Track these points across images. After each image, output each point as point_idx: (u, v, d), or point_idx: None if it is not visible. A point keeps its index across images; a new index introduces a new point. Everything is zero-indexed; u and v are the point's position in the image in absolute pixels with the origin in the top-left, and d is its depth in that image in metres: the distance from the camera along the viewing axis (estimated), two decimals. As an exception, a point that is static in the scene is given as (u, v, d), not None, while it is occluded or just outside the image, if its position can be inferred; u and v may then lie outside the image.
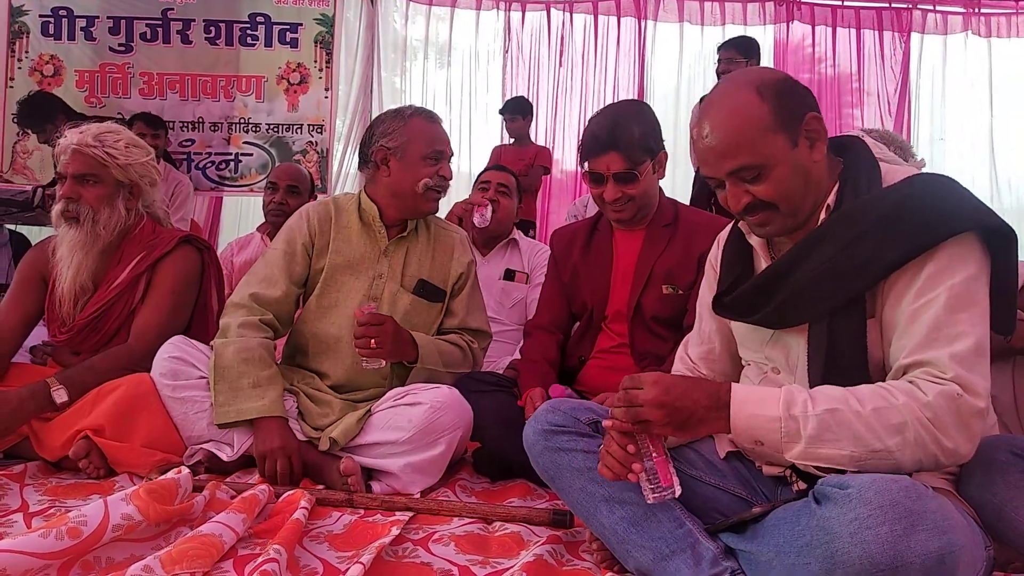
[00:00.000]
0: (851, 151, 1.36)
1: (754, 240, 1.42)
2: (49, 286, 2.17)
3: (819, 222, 1.30)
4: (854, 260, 1.22)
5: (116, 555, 1.31)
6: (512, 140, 5.09)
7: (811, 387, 1.25)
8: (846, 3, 5.40)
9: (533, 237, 4.93)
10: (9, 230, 4.15)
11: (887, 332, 1.24)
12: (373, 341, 1.87)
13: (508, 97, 5.30)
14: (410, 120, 2.09)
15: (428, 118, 2.13)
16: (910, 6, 5.37)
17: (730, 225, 1.53)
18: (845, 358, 1.25)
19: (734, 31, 5.26)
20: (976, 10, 5.35)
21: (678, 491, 1.23)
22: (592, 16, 5.51)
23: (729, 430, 1.20)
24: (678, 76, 5.42)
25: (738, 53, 4.06)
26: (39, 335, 2.32)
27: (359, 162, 2.19)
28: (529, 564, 1.38)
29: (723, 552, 1.27)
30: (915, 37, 5.39)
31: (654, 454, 1.22)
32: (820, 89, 5.42)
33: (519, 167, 4.82)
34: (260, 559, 1.25)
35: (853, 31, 5.37)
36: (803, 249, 1.29)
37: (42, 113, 4.52)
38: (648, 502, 1.24)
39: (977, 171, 5.38)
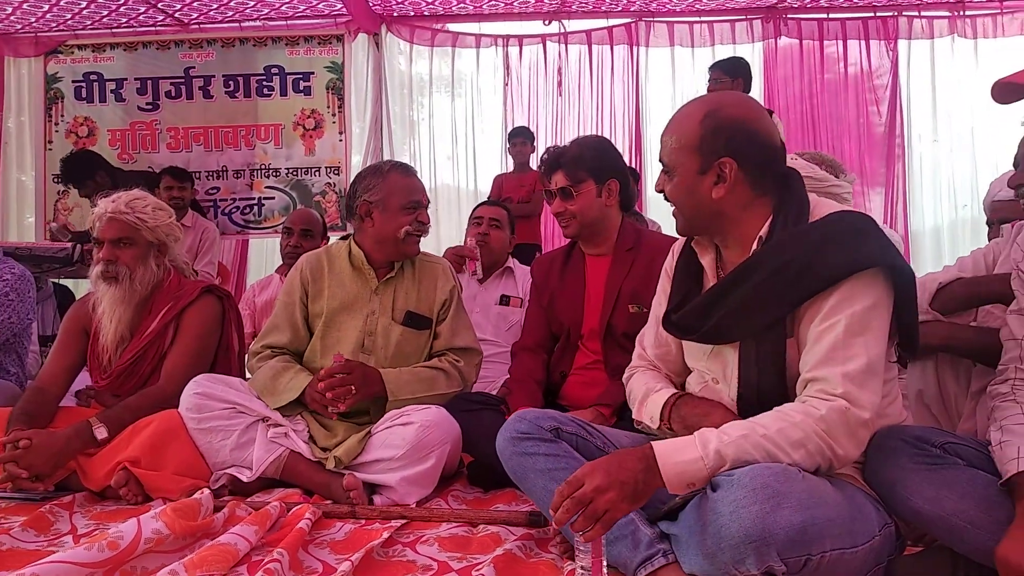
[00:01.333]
0: (786, 186, 1.54)
1: (705, 261, 1.63)
2: (91, 337, 2.46)
3: (751, 252, 1.50)
4: (777, 288, 1.42)
5: (148, 564, 1.56)
6: (512, 167, 5.33)
7: (740, 395, 1.47)
8: (832, 16, 5.56)
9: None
10: (52, 283, 4.50)
11: (802, 349, 1.45)
12: (352, 387, 2.14)
13: (510, 127, 5.55)
14: (388, 175, 2.35)
15: (404, 172, 2.40)
16: (895, 14, 5.51)
17: (684, 240, 1.72)
18: (769, 372, 1.46)
19: (724, 51, 5.44)
20: (961, 13, 5.47)
21: None
22: (586, 46, 5.73)
23: (663, 485, 1.33)
24: (672, 99, 5.61)
25: (723, 73, 4.26)
26: (83, 380, 2.61)
27: (346, 214, 2.46)
28: (499, 557, 1.60)
29: (658, 536, 1.47)
30: (902, 44, 5.50)
31: (592, 554, 1.36)
32: (811, 101, 5.56)
33: (521, 193, 5.07)
34: (266, 560, 1.50)
35: (840, 43, 5.52)
36: (738, 275, 1.49)
37: (83, 170, 4.89)
38: None
39: (969, 169, 5.50)
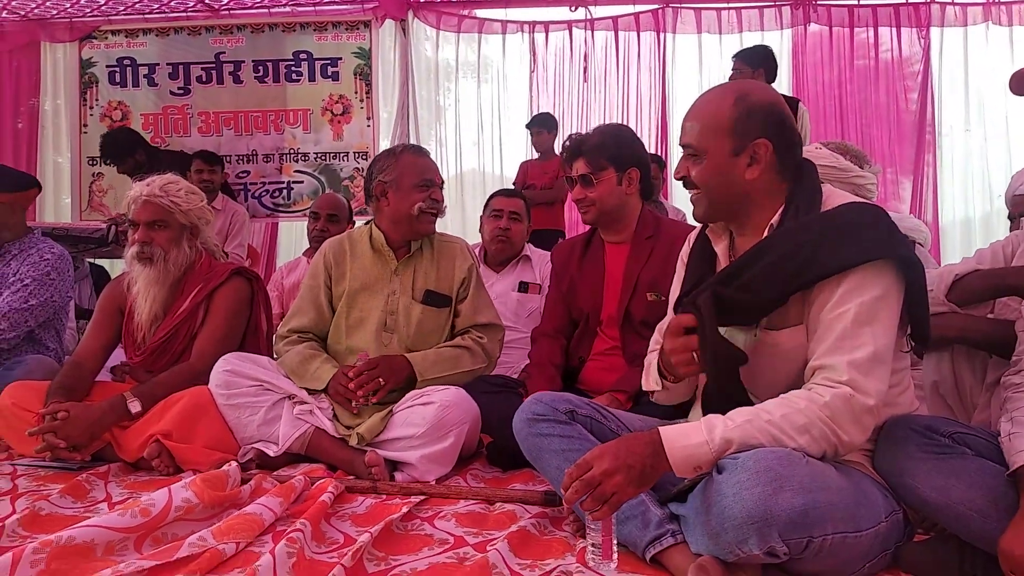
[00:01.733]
0: (800, 175, 1.57)
1: (719, 247, 1.66)
2: (125, 316, 2.55)
3: (763, 237, 1.53)
4: (785, 270, 1.44)
5: (179, 531, 1.64)
6: (538, 154, 5.36)
7: (750, 382, 1.50)
8: (862, 2, 5.48)
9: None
10: (89, 263, 4.63)
11: (810, 337, 1.47)
12: (381, 380, 2.22)
13: (534, 113, 5.57)
14: (401, 156, 2.43)
15: (416, 152, 2.48)
16: (928, 1, 5.42)
17: (699, 228, 1.75)
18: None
19: (752, 38, 5.40)
20: (996, 0, 5.37)
21: (614, 566, 1.42)
22: (613, 32, 5.72)
23: (670, 469, 1.37)
24: (699, 86, 5.57)
25: (744, 64, 4.24)
26: (118, 356, 2.70)
27: (365, 198, 2.53)
28: (513, 534, 1.65)
29: (667, 517, 1.52)
30: (935, 31, 5.42)
31: (602, 533, 1.42)
32: (840, 89, 5.50)
33: (544, 180, 5.10)
34: (289, 530, 1.56)
35: (871, 30, 5.45)
36: (748, 258, 1.51)
37: (124, 147, 5.05)
38: (588, 565, 1.45)
39: (1003, 160, 5.41)
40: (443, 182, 2.50)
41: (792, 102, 4.57)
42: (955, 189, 5.61)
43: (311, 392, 2.32)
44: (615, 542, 1.45)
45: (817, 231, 1.44)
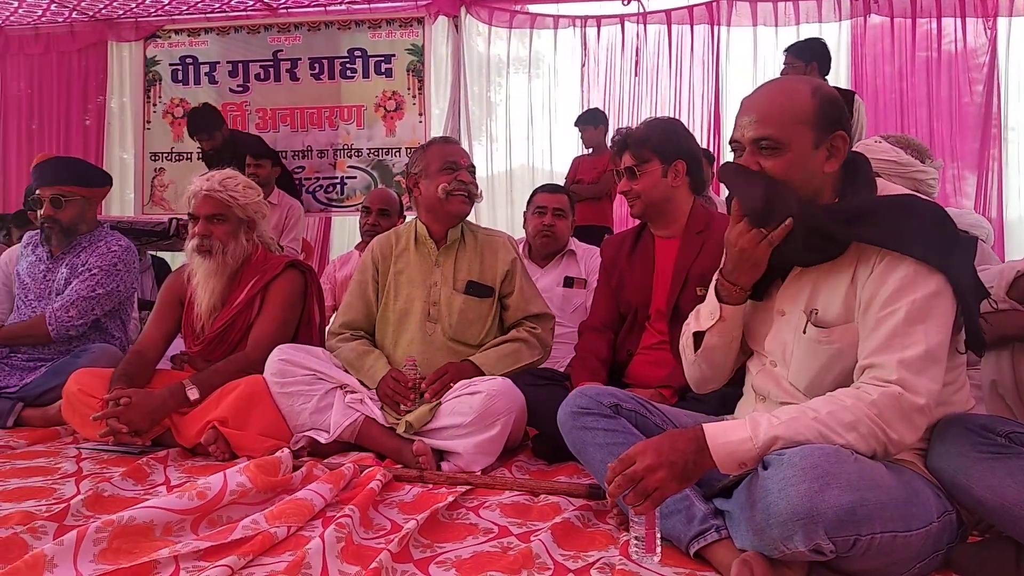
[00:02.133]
0: (852, 168, 1.54)
1: None
2: (185, 306, 2.64)
3: None
4: (838, 220, 1.43)
5: (233, 514, 1.69)
6: (590, 150, 5.34)
7: (799, 379, 1.50)
8: (925, -9, 5.32)
9: (611, 242, 5.16)
10: (151, 256, 4.79)
11: (860, 316, 1.45)
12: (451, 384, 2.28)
13: (586, 108, 5.55)
14: (428, 147, 2.53)
15: (443, 141, 2.57)
16: (997, -11, 5.23)
17: None
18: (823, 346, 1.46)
19: (809, 30, 5.28)
20: (1072, -14, 5.15)
21: (658, 559, 1.43)
22: (665, 26, 5.66)
23: (714, 466, 1.36)
24: (753, 80, 5.48)
25: (795, 58, 4.16)
26: (177, 346, 2.80)
27: (408, 195, 2.62)
28: (557, 525, 1.66)
29: (712, 513, 1.51)
30: (1002, 21, 5.21)
31: (645, 527, 1.43)
32: (901, 82, 5.34)
33: (593, 175, 5.08)
34: (338, 516, 1.61)
35: (934, 21, 5.28)
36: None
37: (212, 121, 5.19)
38: (631, 558, 1.46)
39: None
40: (471, 165, 2.53)
41: (847, 95, 4.46)
42: (1021, 185, 5.40)
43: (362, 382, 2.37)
44: (659, 536, 1.45)
45: (886, 204, 1.43)
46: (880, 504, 1.23)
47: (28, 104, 6.67)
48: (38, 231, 3.03)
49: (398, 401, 2.28)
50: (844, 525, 1.20)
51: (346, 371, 2.44)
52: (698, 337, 1.70)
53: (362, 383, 2.40)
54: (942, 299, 1.38)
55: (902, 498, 1.29)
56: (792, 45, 4.28)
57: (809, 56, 4.10)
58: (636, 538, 1.46)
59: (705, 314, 1.68)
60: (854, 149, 2.33)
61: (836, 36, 5.37)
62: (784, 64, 4.18)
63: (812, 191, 1.51)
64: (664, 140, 2.32)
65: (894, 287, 1.38)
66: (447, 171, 2.45)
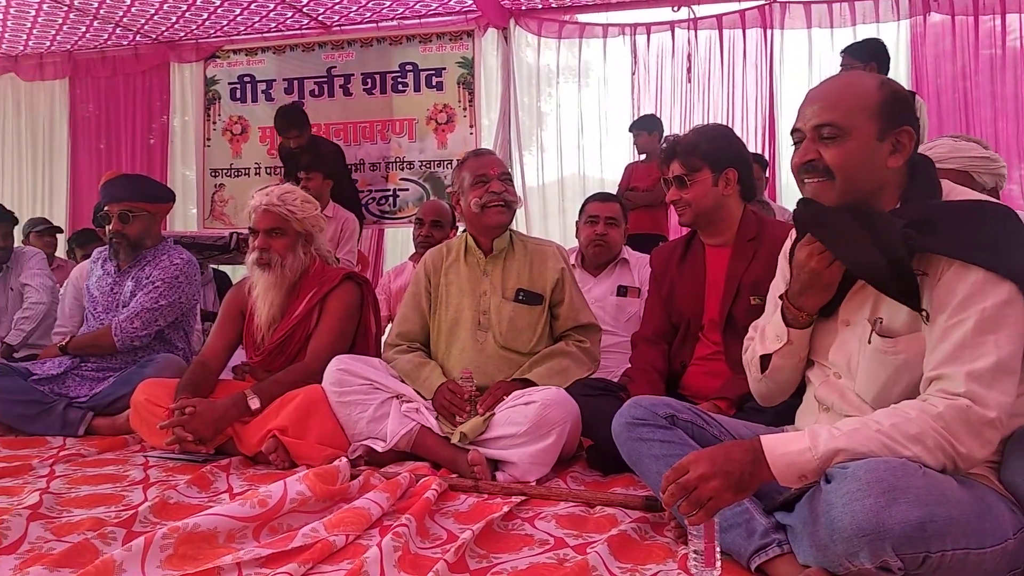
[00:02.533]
0: (917, 171, 1.50)
1: None
2: (246, 318, 2.71)
3: None
4: (902, 233, 1.36)
5: (293, 522, 1.73)
6: (643, 156, 5.30)
7: (866, 391, 1.45)
8: (990, -13, 5.14)
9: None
10: (212, 269, 4.92)
11: (929, 327, 1.39)
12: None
13: (636, 116, 5.51)
14: (464, 163, 2.57)
15: (475, 155, 2.60)
16: (1070, -19, 5.02)
17: None
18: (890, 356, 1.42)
19: (866, 31, 5.15)
20: None
21: (717, 574, 1.38)
22: (717, 31, 5.59)
23: (772, 478, 1.33)
24: (808, 83, 5.35)
25: (853, 59, 4.06)
26: (239, 357, 2.87)
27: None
28: (614, 537, 1.65)
29: (774, 527, 1.47)
30: (1072, 16, 5.03)
31: (704, 540, 1.39)
32: (964, 81, 5.17)
33: (648, 183, 5.04)
34: (395, 524, 1.62)
35: (998, 17, 5.10)
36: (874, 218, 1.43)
37: (304, 119, 5.23)
38: (690, 572, 1.43)
39: None
40: (502, 173, 2.52)
41: (910, 95, 4.34)
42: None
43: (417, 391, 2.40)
44: (718, 549, 1.42)
45: (952, 210, 1.38)
46: (951, 520, 1.19)
47: (96, 125, 6.94)
48: (107, 247, 3.15)
49: (453, 413, 2.30)
50: (913, 541, 1.16)
51: (403, 381, 2.46)
52: (764, 359, 1.66)
53: (419, 393, 2.42)
54: (1014, 307, 1.32)
55: (974, 513, 1.24)
56: (850, 45, 4.18)
57: (868, 56, 3.99)
58: (695, 552, 1.44)
59: (771, 336, 1.64)
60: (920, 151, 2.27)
61: (895, 36, 5.22)
62: (841, 66, 4.08)
63: (874, 186, 1.47)
64: (714, 148, 2.28)
65: (963, 295, 1.33)
66: (479, 184, 2.48)
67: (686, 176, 2.29)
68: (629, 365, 2.82)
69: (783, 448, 1.33)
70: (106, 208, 3.07)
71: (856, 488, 1.19)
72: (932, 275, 1.38)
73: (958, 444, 1.27)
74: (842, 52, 4.16)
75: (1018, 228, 1.37)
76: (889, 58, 4.16)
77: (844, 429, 1.32)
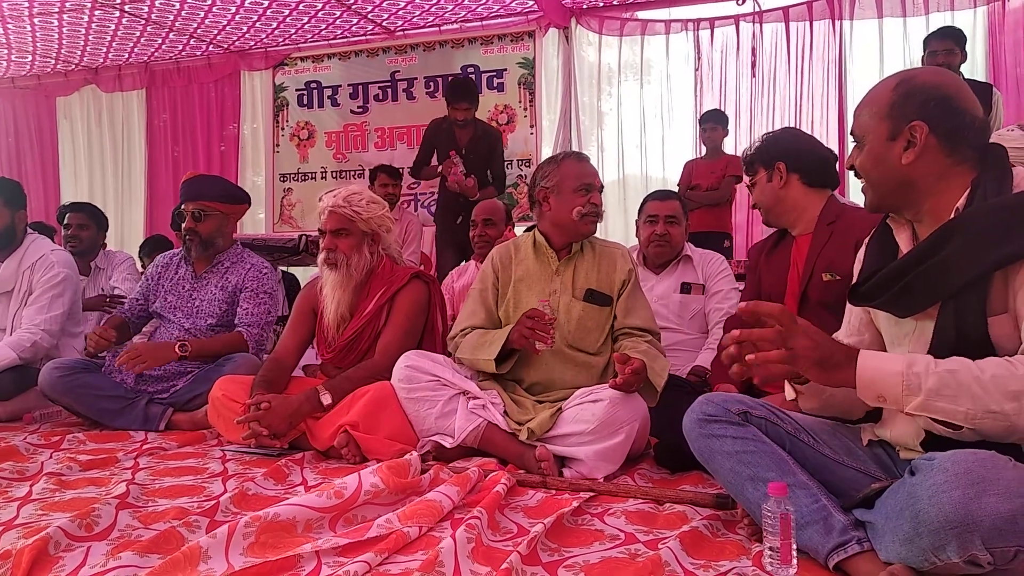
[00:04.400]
0: (987, 160, 1.45)
1: (901, 237, 1.57)
2: (318, 316, 2.78)
3: (950, 219, 1.42)
4: (975, 249, 1.33)
5: (368, 513, 1.76)
6: (704, 152, 5.23)
7: None
8: (1073, -30, 4.91)
9: (730, 248, 5.04)
10: (282, 271, 5.06)
11: (1020, 325, 1.35)
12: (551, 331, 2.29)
13: (700, 114, 5.44)
14: (562, 163, 2.52)
15: (577, 159, 2.56)
16: None
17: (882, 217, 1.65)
18: (970, 349, 1.36)
19: (939, 20, 4.98)
20: None
21: (794, 571, 1.37)
22: (783, 24, 5.49)
23: (852, 381, 1.33)
24: (880, 75, 5.17)
25: (956, 45, 3.95)
26: (309, 357, 2.95)
27: (529, 204, 2.63)
28: (685, 534, 1.63)
29: (853, 524, 1.44)
30: None
31: (780, 536, 1.37)
32: (1047, 68, 4.96)
33: (710, 180, 4.97)
34: (467, 517, 1.64)
35: (1084, -1, 4.87)
36: (934, 239, 1.41)
37: (475, 91, 4.94)
38: (765, 569, 1.41)
39: None
40: (602, 186, 2.57)
41: (985, 88, 4.19)
42: None
43: (484, 388, 2.42)
44: (794, 546, 1.40)
45: (1013, 208, 1.32)
46: (1044, 513, 1.14)
47: (172, 133, 7.23)
48: (174, 252, 3.28)
49: (536, 339, 2.27)
50: (1003, 535, 1.12)
51: (468, 378, 2.47)
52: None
53: (480, 383, 2.43)
54: None
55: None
56: (950, 31, 4.08)
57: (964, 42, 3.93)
58: (771, 548, 1.41)
59: (785, 393, 1.67)
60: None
61: (971, 24, 5.04)
62: (941, 52, 3.97)
63: (896, 184, 1.47)
64: (764, 147, 2.38)
65: None
66: (582, 192, 2.47)
67: (750, 181, 2.42)
68: (698, 363, 2.84)
69: (877, 360, 1.33)
70: (183, 206, 3.17)
71: (943, 480, 1.15)
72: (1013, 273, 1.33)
73: None
74: (938, 37, 4.05)
75: None
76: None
77: (942, 366, 1.28)
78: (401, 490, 1.86)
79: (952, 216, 1.42)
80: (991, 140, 2.22)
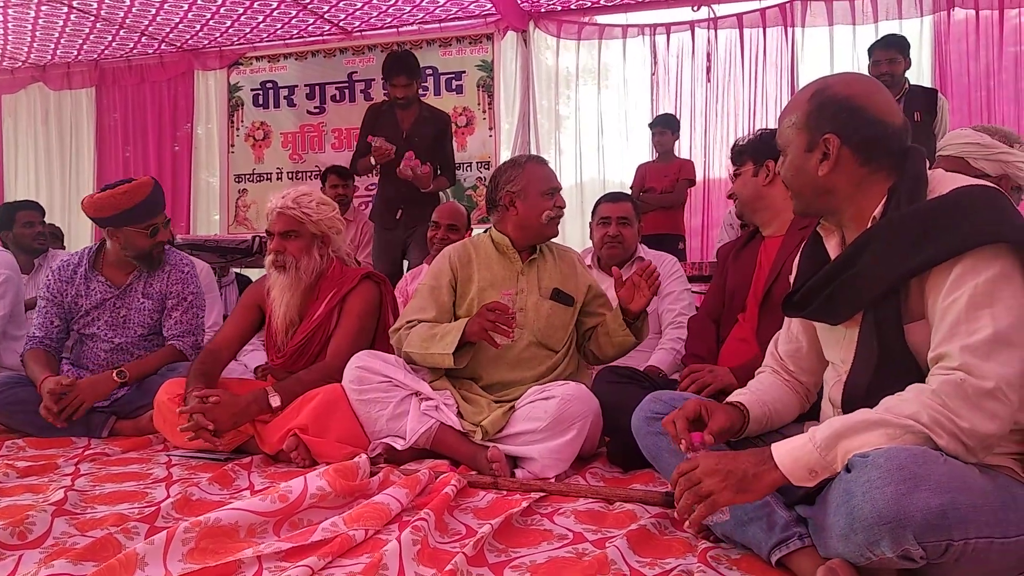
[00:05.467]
0: (903, 165, 1.47)
1: (830, 244, 1.60)
2: (266, 316, 2.73)
3: (866, 229, 1.45)
4: (890, 259, 1.37)
5: (314, 517, 1.74)
6: (656, 156, 5.28)
7: (865, 384, 1.42)
8: (1014, -18, 5.07)
9: (683, 250, 5.10)
10: (235, 272, 4.97)
11: (932, 331, 1.36)
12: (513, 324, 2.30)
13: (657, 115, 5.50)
14: (526, 166, 2.53)
15: (540, 163, 2.58)
16: (1097, -26, 4.94)
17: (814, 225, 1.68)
18: (890, 356, 1.39)
19: (887, 28, 5.10)
20: None
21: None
22: (737, 30, 5.57)
23: (783, 478, 1.32)
24: (830, 80, 5.32)
25: (899, 53, 4.06)
26: (261, 358, 2.89)
27: (487, 207, 2.64)
28: (633, 532, 1.64)
29: (795, 520, 1.46)
30: (1101, 9, 4.94)
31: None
32: (988, 79, 5.10)
33: (664, 184, 5.02)
34: (414, 519, 1.62)
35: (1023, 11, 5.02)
36: (852, 251, 1.45)
37: (415, 65, 4.42)
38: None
39: None
40: (561, 187, 2.60)
41: (931, 94, 4.31)
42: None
43: (437, 389, 2.40)
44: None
45: (924, 217, 1.35)
46: (973, 507, 1.16)
47: (123, 133, 7.06)
48: (65, 263, 3.01)
49: (498, 332, 2.25)
50: (935, 529, 1.14)
51: (415, 371, 2.45)
52: None
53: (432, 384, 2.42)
54: (1009, 281, 1.28)
55: (998, 503, 1.21)
56: (894, 39, 4.21)
57: (908, 50, 4.04)
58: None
59: None
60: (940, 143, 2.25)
61: (918, 32, 5.18)
62: (884, 62, 4.09)
63: (816, 194, 1.50)
64: (757, 142, 2.39)
65: (956, 275, 1.30)
66: (549, 196, 2.51)
67: (734, 170, 2.44)
68: (650, 363, 2.86)
69: (788, 444, 1.33)
70: (155, 221, 2.91)
71: (877, 476, 1.17)
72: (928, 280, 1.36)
73: (958, 419, 1.24)
74: (882, 46, 4.16)
75: (995, 197, 1.34)
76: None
77: (842, 418, 1.32)
78: (348, 493, 1.84)
79: (869, 225, 1.45)
80: (942, 142, 2.29)
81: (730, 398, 1.71)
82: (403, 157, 4.18)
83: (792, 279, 1.70)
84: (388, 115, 4.45)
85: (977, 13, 5.10)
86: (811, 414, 1.75)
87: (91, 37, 6.38)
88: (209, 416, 2.30)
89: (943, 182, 1.44)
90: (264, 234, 3.17)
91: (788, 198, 2.30)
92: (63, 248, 4.23)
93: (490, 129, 6.00)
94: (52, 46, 6.60)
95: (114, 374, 2.77)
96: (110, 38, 6.42)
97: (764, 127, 2.56)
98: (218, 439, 2.33)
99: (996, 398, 1.24)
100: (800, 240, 2.26)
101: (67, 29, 6.19)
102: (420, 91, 4.56)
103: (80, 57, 6.90)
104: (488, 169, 5.93)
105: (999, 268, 1.29)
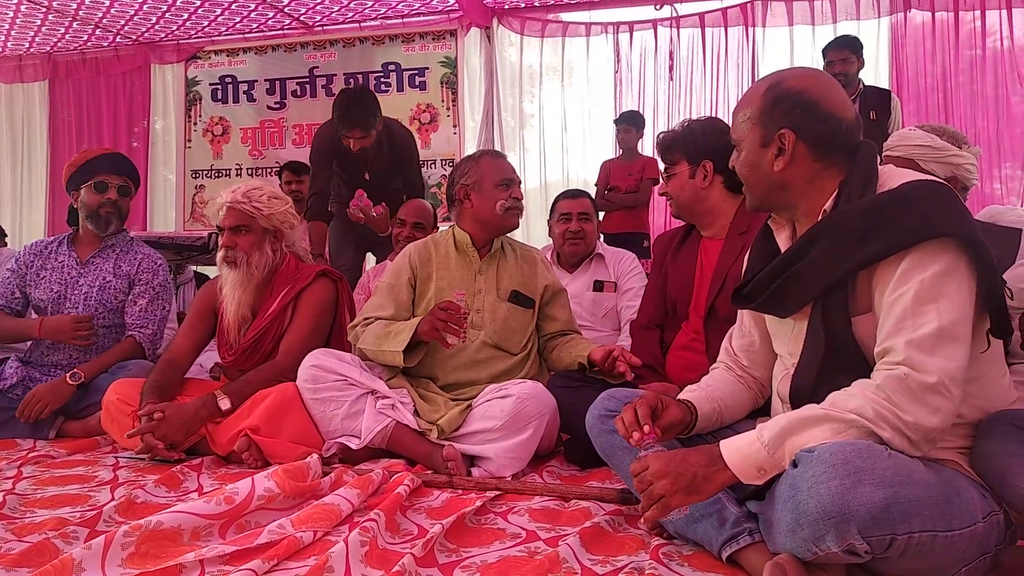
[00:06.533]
0: (854, 160, 1.48)
1: (780, 238, 1.60)
2: (219, 317, 2.67)
3: (816, 222, 1.46)
4: (837, 252, 1.38)
5: (261, 519, 1.69)
6: (620, 153, 5.29)
7: (812, 378, 1.42)
8: (968, -16, 5.17)
9: (648, 248, 5.11)
10: (193, 270, 4.88)
11: (878, 323, 1.37)
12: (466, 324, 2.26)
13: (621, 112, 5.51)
14: (480, 159, 2.52)
15: (494, 155, 2.57)
16: (1050, -24, 5.05)
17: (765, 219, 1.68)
18: (837, 348, 1.40)
19: (845, 28, 5.17)
20: None
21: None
22: (699, 29, 5.61)
23: (733, 477, 1.32)
24: (790, 79, 5.38)
25: (852, 53, 4.11)
26: (214, 357, 2.83)
27: (447, 203, 2.60)
28: (586, 529, 1.63)
29: (745, 516, 1.46)
30: (1051, 12, 5.06)
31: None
32: (944, 80, 5.20)
33: (628, 182, 5.03)
34: (363, 520, 1.59)
35: (978, 13, 5.12)
36: (801, 244, 1.46)
37: (371, 112, 3.71)
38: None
39: None
40: (519, 180, 2.57)
41: (885, 94, 4.38)
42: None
43: (393, 387, 2.37)
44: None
45: (873, 211, 1.36)
46: (917, 501, 1.16)
47: (77, 127, 6.89)
48: (49, 240, 3.10)
49: (449, 332, 2.21)
50: (878, 523, 1.14)
51: (369, 369, 2.42)
52: None
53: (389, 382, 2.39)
54: (954, 276, 1.30)
55: (942, 496, 1.21)
56: (846, 40, 4.27)
57: (860, 49, 4.09)
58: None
59: None
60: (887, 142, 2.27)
61: (875, 34, 5.26)
62: (837, 62, 4.14)
63: (771, 189, 1.51)
64: (691, 140, 2.27)
65: (903, 269, 1.32)
66: (503, 187, 2.48)
67: (667, 168, 2.32)
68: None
69: (736, 443, 1.34)
70: (103, 178, 2.97)
71: (822, 471, 1.17)
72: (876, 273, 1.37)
73: (902, 413, 1.24)
74: (835, 47, 4.21)
75: (943, 193, 1.35)
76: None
77: (788, 415, 1.32)
78: (298, 494, 1.80)
79: (820, 218, 1.46)
80: (889, 142, 2.30)
81: (681, 395, 1.71)
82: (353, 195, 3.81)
83: (743, 272, 1.70)
84: (346, 150, 3.81)
85: (933, 15, 5.19)
86: (764, 410, 1.75)
87: (43, 29, 6.22)
88: (158, 434, 2.25)
89: (893, 176, 1.45)
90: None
91: (727, 200, 2.32)
92: (6, 246, 4.08)
93: (454, 126, 5.96)
94: (3, 38, 6.42)
95: (68, 377, 2.71)
96: (63, 30, 6.26)
97: (692, 118, 2.44)
98: (174, 452, 2.28)
99: (939, 392, 1.25)
100: (741, 246, 2.24)
101: (18, 20, 6.03)
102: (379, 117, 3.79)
103: (32, 49, 6.72)
104: (452, 166, 5.88)
105: (946, 263, 1.30)
